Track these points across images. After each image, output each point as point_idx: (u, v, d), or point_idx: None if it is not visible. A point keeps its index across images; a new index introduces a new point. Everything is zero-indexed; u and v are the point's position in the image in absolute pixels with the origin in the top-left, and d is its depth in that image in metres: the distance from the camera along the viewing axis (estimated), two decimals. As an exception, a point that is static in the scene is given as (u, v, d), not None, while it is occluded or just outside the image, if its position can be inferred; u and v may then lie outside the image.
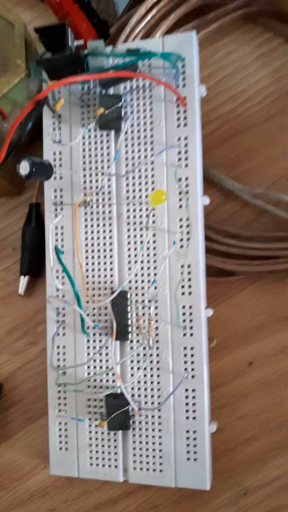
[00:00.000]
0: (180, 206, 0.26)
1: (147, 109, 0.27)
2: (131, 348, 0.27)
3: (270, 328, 0.30)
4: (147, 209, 0.27)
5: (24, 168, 0.24)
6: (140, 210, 0.27)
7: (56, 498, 0.30)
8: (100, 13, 0.32)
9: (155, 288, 0.26)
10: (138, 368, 0.26)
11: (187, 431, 0.26)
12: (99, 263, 0.27)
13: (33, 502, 0.30)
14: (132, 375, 0.27)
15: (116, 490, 0.30)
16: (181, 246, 0.26)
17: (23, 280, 0.31)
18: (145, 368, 0.26)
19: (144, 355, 0.26)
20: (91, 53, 0.26)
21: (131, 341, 0.27)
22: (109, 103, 0.27)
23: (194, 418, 0.26)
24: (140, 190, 0.27)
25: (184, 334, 0.26)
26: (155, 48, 0.27)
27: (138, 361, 0.27)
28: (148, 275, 0.26)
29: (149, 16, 0.32)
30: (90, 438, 0.27)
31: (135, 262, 0.27)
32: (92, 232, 0.28)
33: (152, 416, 0.26)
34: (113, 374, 0.27)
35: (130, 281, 0.27)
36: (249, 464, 0.29)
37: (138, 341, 0.26)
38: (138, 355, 0.26)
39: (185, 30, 0.32)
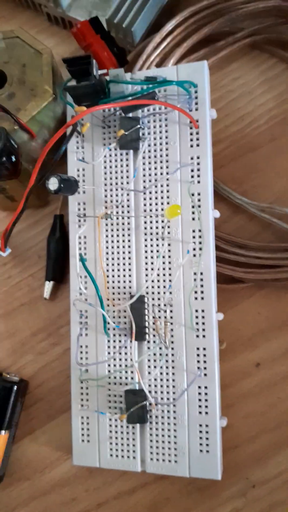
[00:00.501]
0: (193, 219, 0.29)
1: (163, 131, 0.30)
2: (148, 348, 0.29)
3: (274, 332, 0.32)
4: (163, 221, 0.29)
5: (53, 184, 0.27)
6: (157, 222, 0.29)
7: (77, 487, 0.32)
8: (119, 41, 0.35)
9: (170, 293, 0.29)
10: (155, 367, 0.29)
11: (200, 425, 0.28)
12: (118, 270, 0.30)
13: (56, 491, 0.32)
14: (149, 372, 0.29)
15: (133, 481, 0.32)
16: (194, 255, 0.29)
17: (48, 285, 0.34)
18: (161, 367, 0.29)
19: (160, 354, 0.29)
20: (112, 81, 0.29)
21: (148, 341, 0.29)
22: (129, 125, 0.29)
23: (206, 413, 0.28)
24: (156, 204, 0.29)
25: (197, 336, 0.28)
26: (170, 75, 0.29)
27: (155, 360, 0.29)
28: (164, 281, 0.29)
29: (163, 44, 0.35)
30: (110, 431, 0.30)
31: (152, 269, 0.29)
32: (112, 241, 0.30)
33: (168, 411, 0.29)
34: (132, 371, 0.29)
35: (147, 287, 0.29)
36: (255, 459, 0.31)
37: (154, 341, 0.29)
38: (155, 354, 0.29)
39: (197, 57, 0.35)
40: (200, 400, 0.28)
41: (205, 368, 0.28)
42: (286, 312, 0.32)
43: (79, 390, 0.30)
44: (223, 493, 0.31)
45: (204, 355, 0.28)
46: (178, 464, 0.29)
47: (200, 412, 0.28)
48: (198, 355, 0.28)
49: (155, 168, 0.30)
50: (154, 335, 0.29)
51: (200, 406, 0.28)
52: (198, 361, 0.28)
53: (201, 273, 0.28)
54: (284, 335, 0.32)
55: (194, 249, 0.29)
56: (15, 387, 0.31)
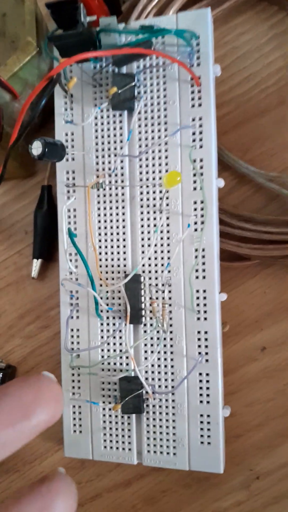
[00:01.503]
0: (195, 189, 0.26)
1: (160, 89, 0.26)
2: (145, 331, 0.27)
3: (282, 314, 0.30)
4: (160, 192, 0.26)
5: (36, 148, 0.24)
6: (154, 192, 0.26)
7: (69, 480, 0.30)
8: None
9: (169, 271, 0.26)
10: (152, 352, 0.26)
11: (201, 415, 0.26)
12: (112, 246, 0.27)
13: (46, 484, 0.30)
14: (146, 358, 0.26)
15: (128, 473, 0.30)
16: (195, 229, 0.26)
17: (36, 264, 0.31)
18: (159, 352, 0.26)
19: (158, 338, 0.26)
20: (103, 30, 0.25)
21: (145, 324, 0.27)
22: (122, 83, 0.26)
23: (208, 402, 0.26)
24: (153, 172, 0.26)
25: (198, 318, 0.26)
26: (169, 25, 0.26)
27: (152, 345, 0.26)
28: (162, 258, 0.26)
29: (162, -6, 0.31)
30: (104, 421, 0.27)
31: (149, 245, 0.26)
32: (105, 214, 0.27)
33: (166, 400, 0.26)
34: (127, 357, 0.27)
35: (143, 265, 0.26)
36: (259, 449, 0.29)
37: (151, 324, 0.26)
38: (151, 338, 0.26)
39: (199, 7, 0.31)
40: (201, 388, 0.26)
41: (206, 353, 0.26)
42: (295, 292, 0.30)
43: (70, 377, 0.28)
44: (224, 485, 0.29)
45: (206, 339, 0.26)
46: (177, 456, 0.26)
47: (201, 401, 0.26)
48: (199, 339, 0.26)
49: (152, 131, 0.26)
50: (150, 318, 0.26)
51: (201, 395, 0.26)
52: (199, 346, 0.26)
53: (203, 250, 0.25)
54: (291, 317, 0.30)
55: (195, 223, 0.26)
56: (1, 375, 0.29)
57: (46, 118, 0.30)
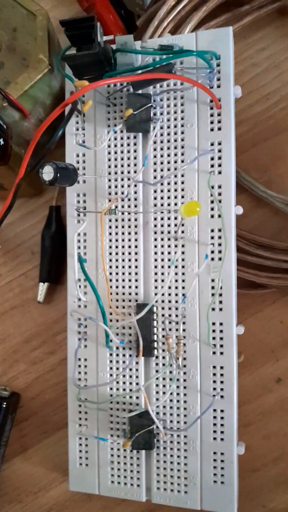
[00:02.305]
0: (212, 216, 0.25)
1: (178, 111, 0.25)
2: (157, 364, 0.25)
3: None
4: (175, 218, 0.25)
5: (47, 173, 0.23)
6: (169, 219, 0.25)
7: (75, 513, 0.29)
8: (127, 3, 0.30)
9: (184, 303, 0.25)
10: (164, 386, 0.25)
11: (214, 453, 0.25)
12: (123, 273, 0.26)
13: (51, 516, 0.29)
14: (157, 395, 0.25)
15: (136, 508, 0.29)
16: (212, 259, 0.24)
17: (42, 287, 0.30)
18: (171, 389, 0.25)
19: (171, 372, 0.25)
20: (120, 50, 0.24)
21: (157, 357, 0.25)
22: (138, 104, 0.25)
23: (222, 439, 0.25)
24: (169, 198, 0.25)
25: (214, 353, 0.25)
26: (187, 44, 0.25)
27: (164, 379, 0.25)
28: (176, 288, 0.25)
29: (179, 7, 0.29)
30: (112, 455, 0.26)
31: (162, 273, 0.25)
32: (116, 240, 0.26)
33: (178, 436, 0.25)
34: (137, 391, 0.25)
35: (156, 294, 0.25)
36: (275, 485, 0.28)
37: (164, 357, 0.25)
38: (164, 373, 0.25)
39: (217, 24, 0.30)
40: (215, 425, 0.25)
41: (222, 389, 0.25)
42: (312, 321, 0.29)
43: (77, 408, 0.27)
44: (236, 522, 0.28)
45: (222, 375, 0.25)
46: (188, 495, 0.25)
47: (214, 438, 0.25)
48: (214, 374, 0.25)
49: (168, 155, 0.25)
50: (163, 350, 0.25)
51: (215, 432, 0.25)
52: (214, 381, 0.25)
53: (221, 281, 0.24)
54: (309, 347, 0.28)
55: (212, 252, 0.24)
56: (4, 404, 0.28)
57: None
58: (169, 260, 0.25)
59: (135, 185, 0.26)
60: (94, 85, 0.19)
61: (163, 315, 0.25)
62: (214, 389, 0.24)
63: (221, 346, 0.24)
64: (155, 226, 0.25)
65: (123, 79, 0.21)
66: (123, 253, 0.26)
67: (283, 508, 0.27)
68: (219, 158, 0.24)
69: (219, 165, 0.24)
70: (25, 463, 0.30)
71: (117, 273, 0.26)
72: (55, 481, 0.29)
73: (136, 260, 0.26)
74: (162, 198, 0.25)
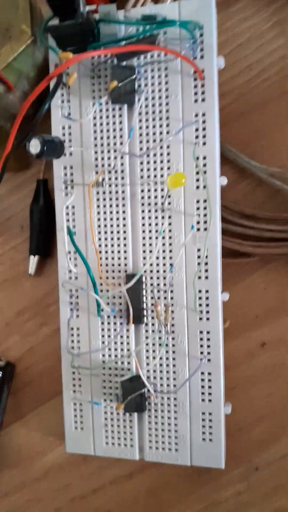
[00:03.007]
0: (197, 187, 0.25)
1: (162, 82, 0.25)
2: (146, 331, 0.26)
3: (282, 309, 0.30)
4: (162, 190, 0.26)
5: (34, 146, 0.23)
6: (155, 190, 0.26)
7: (72, 473, 0.30)
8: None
9: (171, 272, 0.26)
10: (154, 351, 0.26)
11: (203, 413, 0.26)
12: (112, 245, 0.27)
13: (49, 478, 0.31)
14: (147, 357, 0.26)
15: (130, 466, 0.30)
16: (198, 229, 0.25)
17: (33, 260, 0.30)
18: (161, 354, 0.26)
19: (160, 338, 0.26)
20: (103, 20, 0.24)
21: (146, 324, 0.26)
22: (122, 76, 0.25)
23: (210, 400, 0.26)
24: (155, 169, 0.26)
25: (201, 319, 0.26)
26: (170, 13, 0.25)
27: (153, 345, 0.26)
28: (164, 258, 0.26)
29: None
30: (106, 419, 0.27)
31: (150, 244, 0.26)
32: (104, 213, 0.27)
33: (168, 398, 0.26)
34: (128, 357, 0.27)
35: (144, 264, 0.26)
36: (259, 442, 0.29)
37: (153, 324, 0.26)
38: (154, 338, 0.26)
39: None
40: (203, 387, 0.26)
41: (208, 353, 0.26)
42: (294, 288, 0.30)
43: (70, 376, 0.28)
44: (224, 477, 0.30)
45: (208, 339, 0.26)
46: (179, 452, 0.27)
47: (203, 400, 0.26)
48: (201, 339, 0.26)
49: (154, 127, 0.26)
50: (152, 317, 0.26)
51: (203, 394, 0.26)
52: (201, 346, 0.26)
53: (207, 250, 0.25)
54: (291, 313, 0.30)
55: (198, 222, 0.25)
56: (0, 374, 0.28)
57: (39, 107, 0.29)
58: (156, 231, 0.26)
59: (122, 157, 0.26)
60: (79, 57, 0.19)
61: (151, 285, 0.26)
62: (201, 353, 0.26)
63: (207, 312, 0.25)
64: (142, 198, 0.26)
65: (107, 51, 0.21)
66: (111, 225, 0.26)
67: (267, 462, 0.29)
68: (204, 129, 0.25)
69: (204, 136, 0.25)
70: (22, 429, 0.31)
71: (106, 245, 0.27)
72: (51, 445, 0.31)
73: (124, 231, 0.26)
74: (148, 169, 0.26)
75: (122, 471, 0.30)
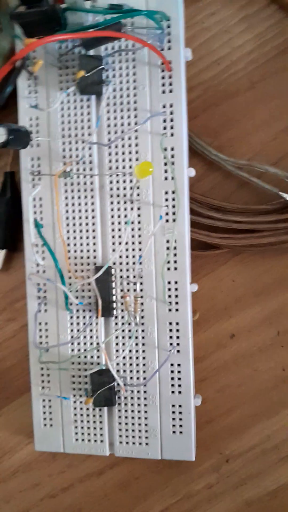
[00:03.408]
0: (166, 178, 0.25)
1: (130, 73, 0.25)
2: (116, 324, 0.26)
3: (250, 300, 0.30)
4: (131, 181, 0.25)
5: (0, 135, 0.22)
6: (124, 181, 0.26)
7: (40, 472, 0.30)
8: None
9: (140, 263, 0.26)
10: (123, 344, 0.26)
11: (173, 405, 0.26)
12: (81, 237, 0.26)
13: (17, 477, 0.30)
14: (117, 351, 0.26)
15: (100, 463, 0.30)
16: (167, 220, 0.25)
17: (0, 254, 0.29)
18: (130, 345, 0.26)
19: (129, 330, 0.26)
20: (69, 8, 0.24)
21: (116, 317, 0.26)
22: (90, 65, 0.25)
23: (179, 392, 0.26)
24: (123, 160, 0.26)
25: (170, 310, 0.26)
26: (137, 3, 0.25)
27: (123, 337, 0.26)
28: (133, 250, 0.26)
29: None
30: (75, 414, 0.27)
31: (119, 236, 0.26)
32: (73, 204, 0.26)
33: (138, 391, 0.26)
34: (98, 351, 0.26)
35: (113, 256, 0.26)
36: (229, 433, 0.30)
37: (123, 317, 0.26)
38: (123, 331, 0.26)
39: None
40: (173, 379, 0.26)
41: (178, 344, 0.26)
42: (263, 279, 0.30)
43: (39, 371, 0.27)
44: (195, 469, 0.30)
45: (177, 330, 0.26)
46: (149, 446, 0.26)
47: (173, 392, 0.26)
48: (170, 330, 0.26)
49: (122, 117, 0.25)
50: (122, 310, 0.26)
51: (173, 385, 0.26)
52: (171, 337, 0.26)
53: (175, 241, 0.25)
54: (260, 304, 0.30)
55: (166, 214, 0.25)
56: None
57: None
58: (125, 222, 0.26)
59: (90, 148, 0.26)
60: (42, 41, 0.19)
61: (121, 277, 0.26)
62: (171, 344, 0.26)
63: (176, 303, 0.25)
64: (111, 189, 0.26)
65: (72, 36, 0.21)
66: (80, 217, 0.26)
67: (237, 453, 0.29)
68: (171, 120, 0.25)
69: (171, 127, 0.25)
70: (-12, 428, 0.30)
71: (74, 237, 0.26)
72: (20, 444, 0.30)
73: (93, 223, 0.26)
74: (116, 160, 0.26)
75: (92, 468, 0.30)
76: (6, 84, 0.20)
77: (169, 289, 0.25)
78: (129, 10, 0.23)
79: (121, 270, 0.26)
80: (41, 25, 0.23)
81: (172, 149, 0.25)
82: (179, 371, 0.26)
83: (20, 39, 0.25)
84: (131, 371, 0.26)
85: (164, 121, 0.25)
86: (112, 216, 0.26)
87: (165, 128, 0.25)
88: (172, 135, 0.25)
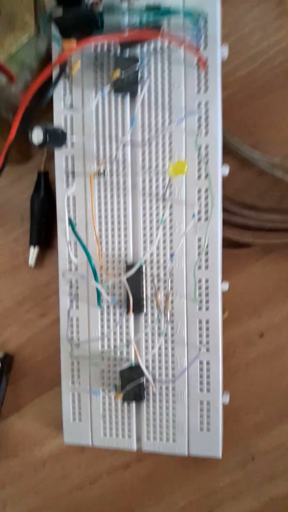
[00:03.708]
0: (199, 177, 0.25)
1: (165, 72, 0.25)
2: (146, 321, 0.26)
3: (280, 300, 0.30)
4: (164, 180, 0.26)
5: (37, 136, 0.23)
6: (157, 180, 0.26)
7: (69, 464, 0.30)
8: None
9: (171, 261, 0.26)
10: (153, 340, 0.26)
11: (201, 402, 0.26)
12: (113, 236, 0.27)
13: (46, 468, 0.31)
14: (146, 348, 0.26)
15: (127, 456, 0.30)
16: (199, 219, 0.25)
17: (33, 251, 0.30)
18: (160, 343, 0.26)
19: (159, 328, 0.26)
20: (107, 10, 0.24)
21: (146, 314, 0.26)
22: (125, 66, 0.25)
23: (208, 390, 0.26)
24: (157, 159, 0.26)
25: (200, 308, 0.26)
26: (174, 3, 0.25)
27: (152, 334, 0.26)
28: (164, 248, 0.26)
29: None
30: (104, 409, 0.27)
31: (151, 234, 0.26)
32: (105, 203, 0.27)
33: (166, 388, 0.26)
34: (127, 346, 0.27)
35: (145, 254, 0.26)
36: (256, 431, 0.30)
37: (153, 314, 0.26)
38: (153, 328, 0.26)
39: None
40: (201, 376, 0.26)
41: (207, 342, 0.26)
42: (293, 279, 0.30)
43: (69, 366, 0.28)
44: (221, 466, 0.30)
45: (207, 329, 0.26)
46: (176, 442, 0.27)
47: (201, 389, 0.26)
48: (200, 328, 0.26)
49: (156, 117, 0.26)
50: (152, 307, 0.26)
51: (201, 383, 0.26)
52: (200, 335, 0.26)
53: (207, 239, 0.25)
54: (289, 304, 0.30)
55: (199, 212, 0.25)
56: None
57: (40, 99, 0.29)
58: (157, 221, 0.26)
59: (124, 147, 0.26)
60: (83, 42, 0.19)
61: (152, 274, 0.26)
62: (200, 342, 0.26)
63: (207, 301, 0.26)
64: (144, 187, 0.26)
65: (111, 38, 0.21)
66: (112, 215, 0.26)
67: (263, 451, 0.29)
68: (206, 119, 0.25)
69: (206, 126, 0.25)
70: (20, 420, 0.31)
71: (106, 236, 0.27)
72: (49, 436, 0.31)
73: (125, 221, 0.26)
74: (150, 160, 0.26)
75: (119, 461, 0.30)
76: (46, 87, 0.20)
77: (200, 288, 0.26)
78: (166, 11, 0.23)
79: (152, 268, 0.26)
80: (78, 27, 0.24)
81: (206, 147, 0.25)
82: (208, 369, 0.26)
83: (58, 41, 0.25)
84: (160, 368, 0.26)
85: (199, 119, 0.25)
86: (144, 215, 0.26)
87: (199, 126, 0.25)
88: (206, 133, 0.25)
